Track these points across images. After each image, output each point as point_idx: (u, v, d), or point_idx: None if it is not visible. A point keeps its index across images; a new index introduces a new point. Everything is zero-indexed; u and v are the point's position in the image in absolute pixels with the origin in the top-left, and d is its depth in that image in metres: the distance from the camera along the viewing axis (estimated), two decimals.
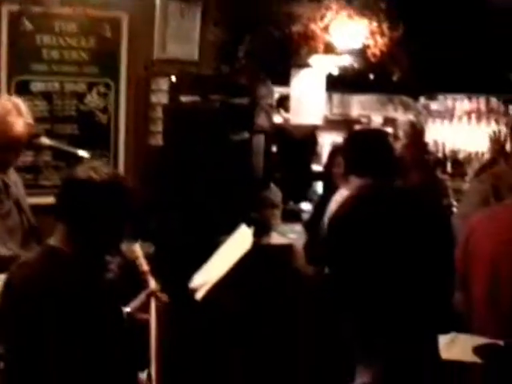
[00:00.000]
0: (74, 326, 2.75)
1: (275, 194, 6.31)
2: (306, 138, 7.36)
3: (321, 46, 6.17)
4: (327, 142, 7.69)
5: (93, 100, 5.66)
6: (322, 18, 6.12)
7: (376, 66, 6.47)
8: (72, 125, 5.58)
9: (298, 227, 6.14)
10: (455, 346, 2.68)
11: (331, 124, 7.69)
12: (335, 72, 6.54)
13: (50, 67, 5.54)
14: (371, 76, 6.62)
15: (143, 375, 3.18)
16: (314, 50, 6.19)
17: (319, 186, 7.00)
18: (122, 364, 2.97)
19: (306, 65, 6.35)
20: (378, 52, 6.34)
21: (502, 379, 2.61)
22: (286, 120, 6.98)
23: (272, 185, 6.29)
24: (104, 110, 5.70)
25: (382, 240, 1.34)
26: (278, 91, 6.79)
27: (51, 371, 2.74)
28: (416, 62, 6.43)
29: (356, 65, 6.44)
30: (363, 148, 4.38)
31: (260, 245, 5.66)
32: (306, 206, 6.81)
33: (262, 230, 5.74)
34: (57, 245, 2.92)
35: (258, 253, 5.48)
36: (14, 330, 2.84)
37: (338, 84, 6.82)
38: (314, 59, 6.30)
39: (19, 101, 3.95)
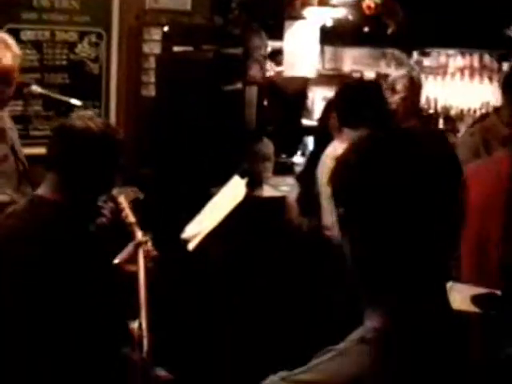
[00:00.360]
0: (63, 275, 2.73)
1: (267, 146, 6.27)
2: (297, 93, 7.31)
3: None
4: (319, 97, 7.63)
5: (84, 49, 5.58)
6: None
7: (370, 19, 6.41)
8: (63, 74, 5.50)
9: (290, 180, 6.10)
10: (453, 295, 2.65)
11: (323, 79, 7.61)
12: (329, 24, 6.47)
13: (40, 15, 5.45)
14: (365, 29, 6.56)
15: (134, 325, 3.16)
16: (308, 2, 6.12)
17: (310, 141, 6.95)
18: (113, 313, 2.96)
19: (300, 17, 6.28)
20: (372, 4, 6.28)
21: (500, 329, 2.59)
22: (278, 74, 6.93)
23: (264, 138, 6.24)
24: (95, 60, 5.62)
25: (406, 178, 1.29)
26: (270, 45, 6.72)
27: (40, 322, 2.72)
28: (410, 15, 6.37)
29: (351, 17, 6.38)
30: (356, 99, 4.34)
31: (252, 197, 5.65)
32: (298, 160, 6.78)
33: (254, 182, 5.71)
34: (46, 194, 2.89)
35: (251, 205, 5.48)
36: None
37: (331, 37, 6.75)
38: (308, 11, 6.23)
39: (6, 35, 3.88)
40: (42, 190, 2.91)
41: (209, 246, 4.42)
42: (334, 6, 6.23)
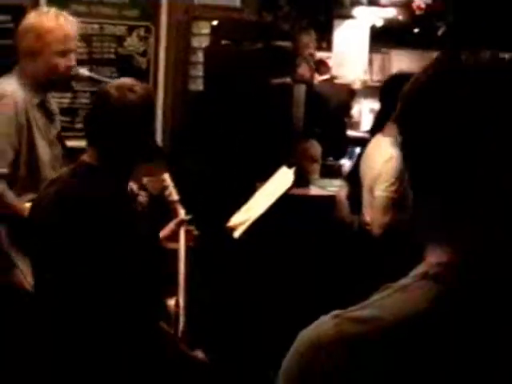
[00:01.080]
0: (107, 234, 2.70)
1: (315, 147, 6.20)
2: (341, 103, 7.26)
3: None
4: (366, 108, 7.57)
5: (132, 43, 5.57)
6: None
7: (420, 20, 6.32)
8: (111, 68, 5.50)
9: (338, 182, 6.02)
10: None
11: (371, 91, 7.54)
12: (379, 24, 6.41)
13: (89, 9, 5.46)
14: (415, 30, 6.48)
15: (171, 302, 3.12)
16: (357, 1, 6.06)
17: (357, 151, 6.87)
18: (150, 283, 2.91)
19: (350, 16, 6.22)
20: (422, 5, 6.20)
21: None
22: (322, 82, 6.89)
23: (312, 139, 6.18)
24: (143, 54, 5.61)
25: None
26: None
27: (82, 283, 2.70)
28: (460, 16, 6.27)
29: (400, 17, 6.30)
30: (398, 92, 4.24)
31: (299, 195, 5.58)
32: (345, 163, 6.70)
33: (300, 181, 5.65)
34: (87, 160, 2.87)
35: (298, 203, 5.41)
36: (48, 243, 2.79)
37: (381, 38, 6.68)
38: (357, 10, 6.17)
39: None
40: (84, 157, 2.90)
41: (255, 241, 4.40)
42: (383, 5, 6.15)
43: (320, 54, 6.99)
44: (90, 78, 4.00)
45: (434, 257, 1.21)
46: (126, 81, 2.97)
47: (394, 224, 4.07)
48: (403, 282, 1.18)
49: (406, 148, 1.24)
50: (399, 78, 4.43)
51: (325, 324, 1.16)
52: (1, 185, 3.51)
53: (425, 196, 1.21)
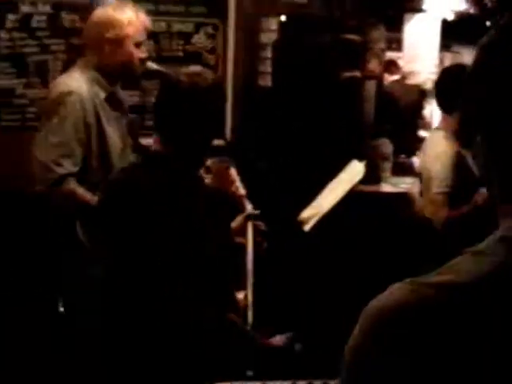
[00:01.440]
0: (178, 223, 2.66)
1: (386, 145, 6.13)
2: (413, 102, 7.16)
3: None
4: (437, 108, 7.41)
5: (200, 40, 5.56)
6: None
7: (493, 13, 6.17)
8: (179, 65, 5.47)
9: (410, 180, 5.92)
10: None
11: None
12: (450, 17, 6.28)
13: (156, 6, 5.46)
14: (487, 23, 6.33)
15: (240, 295, 3.08)
16: None
17: None
18: (220, 280, 2.87)
19: (420, 9, 6.11)
20: None
21: None
22: (393, 83, 6.80)
23: (383, 137, 6.10)
24: (212, 51, 5.59)
25: None
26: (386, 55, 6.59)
27: (151, 270, 2.67)
28: None
29: (472, 11, 6.17)
30: (452, 83, 4.12)
31: (370, 192, 5.51)
32: (417, 160, 6.58)
33: (371, 178, 5.58)
34: (156, 148, 2.84)
35: (369, 200, 5.34)
36: (116, 230, 2.77)
37: (451, 32, 6.55)
38: (427, 3, 6.05)
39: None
40: (154, 145, 2.87)
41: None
42: None
43: (390, 54, 6.91)
44: (157, 72, 3.97)
45: (510, 220, 1.13)
46: (195, 68, 2.94)
47: (453, 217, 4.08)
48: (480, 246, 1.11)
49: (482, 105, 1.16)
50: (453, 71, 4.34)
51: (400, 290, 1.09)
52: (72, 182, 3.53)
53: (499, 152, 1.13)
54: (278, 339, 3.04)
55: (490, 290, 1.05)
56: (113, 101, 3.76)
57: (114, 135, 3.72)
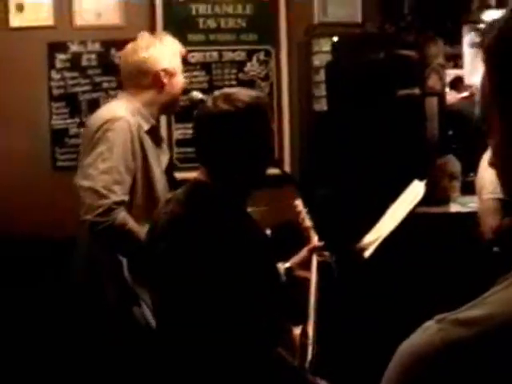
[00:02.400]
0: (219, 254, 2.51)
1: (453, 164, 5.92)
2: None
3: (493, 0, 5.71)
4: None
5: (253, 68, 5.47)
6: None
7: None
8: None
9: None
10: None
11: None
12: None
13: (207, 37, 5.42)
14: None
15: (297, 330, 2.93)
16: (485, 4, 5.74)
17: None
18: (277, 314, 2.72)
19: (479, 21, 5.89)
20: None
21: None
22: (461, 100, 6.60)
23: (450, 155, 5.89)
24: (265, 78, 5.50)
25: None
26: (451, 73, 6.40)
27: (194, 303, 2.53)
28: None
29: None
30: None
31: (439, 213, 5.32)
32: None
33: (439, 199, 5.39)
34: (201, 178, 2.70)
35: (438, 221, 5.14)
36: (164, 266, 2.64)
37: None
38: (486, 15, 5.83)
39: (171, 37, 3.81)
40: (198, 175, 2.73)
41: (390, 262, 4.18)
42: None
43: (455, 72, 6.71)
44: (202, 101, 3.86)
45: None
46: (227, 90, 2.77)
47: (507, 226, 3.81)
48: None
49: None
50: None
51: (428, 330, 0.96)
52: (122, 212, 3.37)
53: None
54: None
55: None
56: (154, 135, 3.67)
57: (157, 170, 3.62)
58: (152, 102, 3.65)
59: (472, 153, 6.44)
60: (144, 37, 3.80)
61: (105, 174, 3.37)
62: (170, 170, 3.85)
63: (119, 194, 3.36)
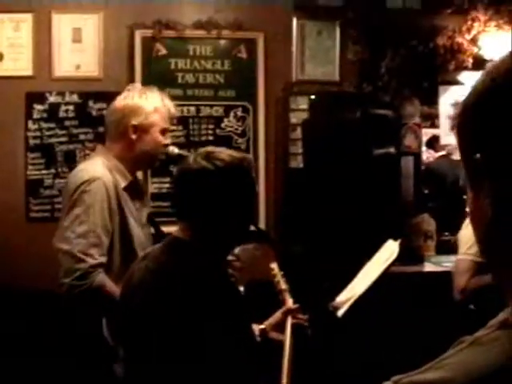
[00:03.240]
0: (202, 316, 2.47)
1: (428, 223, 5.93)
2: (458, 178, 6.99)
3: (469, 60, 5.77)
4: None
5: (230, 124, 5.49)
6: (468, 30, 5.74)
7: None
8: None
9: (454, 258, 5.72)
10: None
11: None
12: None
13: (184, 91, 5.43)
14: None
15: None
16: (461, 65, 5.81)
17: None
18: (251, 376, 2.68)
19: (455, 82, 5.96)
20: None
21: None
22: (437, 159, 6.65)
23: (425, 214, 5.91)
24: (242, 134, 5.51)
25: None
26: (427, 132, 6.46)
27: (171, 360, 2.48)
28: None
29: None
30: None
31: (412, 273, 5.32)
32: None
33: (413, 258, 5.39)
34: (179, 235, 2.67)
35: (410, 280, 5.13)
36: (138, 323, 2.60)
37: None
38: (463, 76, 5.91)
39: (157, 91, 3.78)
40: (175, 231, 2.70)
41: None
42: None
43: (432, 131, 6.76)
44: (179, 156, 3.84)
45: None
46: (210, 148, 2.77)
47: (478, 288, 3.80)
48: (479, 333, 0.95)
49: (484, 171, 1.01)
50: None
51: None
52: (101, 274, 3.35)
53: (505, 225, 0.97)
54: None
55: None
56: (133, 190, 3.65)
57: (136, 228, 3.59)
58: (122, 156, 3.61)
59: (447, 212, 6.49)
60: (131, 88, 3.78)
61: (81, 238, 3.35)
62: (152, 221, 3.83)
63: (96, 257, 3.35)
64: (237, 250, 3.63)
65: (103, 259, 3.37)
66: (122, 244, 3.50)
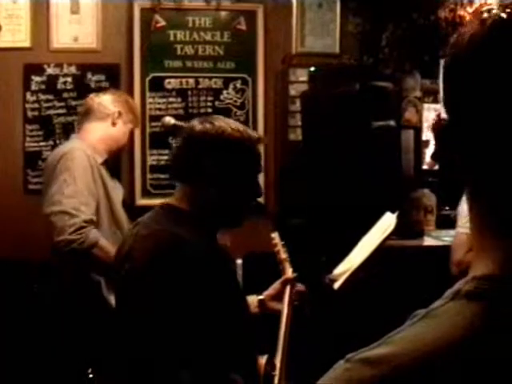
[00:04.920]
0: (188, 282, 2.46)
1: (428, 197, 5.90)
2: None
3: None
4: None
5: (229, 96, 5.45)
6: (470, 3, 5.69)
7: None
8: None
9: (454, 232, 5.69)
10: None
11: None
12: None
13: (184, 63, 5.39)
14: None
15: (262, 360, 2.90)
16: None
17: None
18: (242, 342, 2.67)
19: None
20: None
21: None
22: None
23: (425, 189, 5.88)
24: (241, 106, 5.47)
25: None
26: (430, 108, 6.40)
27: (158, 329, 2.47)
28: None
29: None
30: None
31: (412, 247, 5.30)
32: None
33: (413, 232, 5.37)
34: (173, 203, 2.65)
35: (411, 255, 5.11)
36: (128, 290, 2.60)
37: None
38: None
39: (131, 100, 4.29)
40: (170, 199, 2.69)
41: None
42: None
43: (434, 106, 6.71)
44: (174, 126, 3.85)
45: (473, 271, 0.94)
46: (214, 116, 2.77)
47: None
48: (432, 305, 0.93)
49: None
50: None
51: (336, 370, 0.93)
52: (94, 230, 3.46)
53: (474, 195, 0.97)
54: None
55: (435, 364, 0.86)
56: (108, 169, 3.82)
57: (116, 196, 3.74)
58: (108, 139, 3.88)
59: (448, 187, 6.45)
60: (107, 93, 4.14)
61: (71, 198, 3.50)
62: (125, 205, 3.95)
63: (87, 214, 3.50)
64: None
65: (93, 217, 3.56)
66: (106, 210, 3.67)
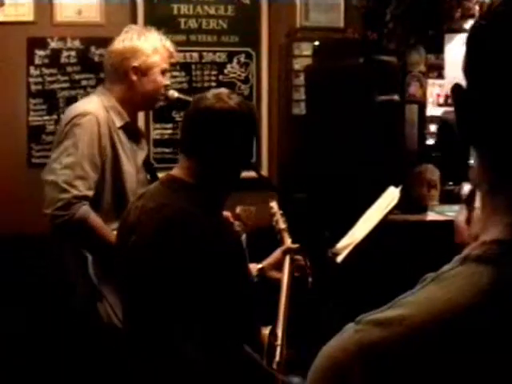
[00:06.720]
0: (190, 254, 2.48)
1: (432, 172, 5.89)
2: None
3: (476, 8, 5.69)
4: None
5: (233, 70, 5.45)
6: None
7: None
8: None
9: (458, 208, 5.69)
10: None
11: None
12: None
13: (187, 37, 5.38)
14: None
15: (266, 330, 2.92)
16: (468, 13, 5.73)
17: None
18: (245, 313, 2.69)
19: (461, 30, 5.88)
20: None
21: None
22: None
23: (429, 164, 5.88)
24: (245, 80, 5.47)
25: None
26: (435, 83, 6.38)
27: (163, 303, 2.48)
28: None
29: None
30: None
31: (415, 221, 5.30)
32: (467, 187, 6.33)
33: (416, 207, 5.37)
34: (178, 175, 2.67)
35: (414, 229, 5.12)
36: (136, 264, 2.61)
37: None
38: (469, 24, 5.82)
39: (157, 33, 3.79)
40: (174, 171, 2.70)
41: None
42: None
43: (440, 82, 6.69)
44: (178, 100, 3.83)
45: (483, 236, 0.94)
46: (223, 90, 2.79)
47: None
48: (442, 269, 0.94)
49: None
50: None
51: (346, 332, 0.93)
52: (85, 207, 3.35)
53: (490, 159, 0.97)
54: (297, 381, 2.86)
55: (447, 326, 0.87)
56: (129, 131, 3.65)
57: (130, 169, 3.59)
58: (123, 98, 3.62)
59: (452, 162, 6.44)
60: (129, 29, 3.78)
61: (67, 169, 3.37)
62: (148, 166, 3.83)
63: (81, 189, 3.35)
64: (238, 210, 3.66)
65: (89, 192, 3.38)
66: (113, 182, 3.52)
